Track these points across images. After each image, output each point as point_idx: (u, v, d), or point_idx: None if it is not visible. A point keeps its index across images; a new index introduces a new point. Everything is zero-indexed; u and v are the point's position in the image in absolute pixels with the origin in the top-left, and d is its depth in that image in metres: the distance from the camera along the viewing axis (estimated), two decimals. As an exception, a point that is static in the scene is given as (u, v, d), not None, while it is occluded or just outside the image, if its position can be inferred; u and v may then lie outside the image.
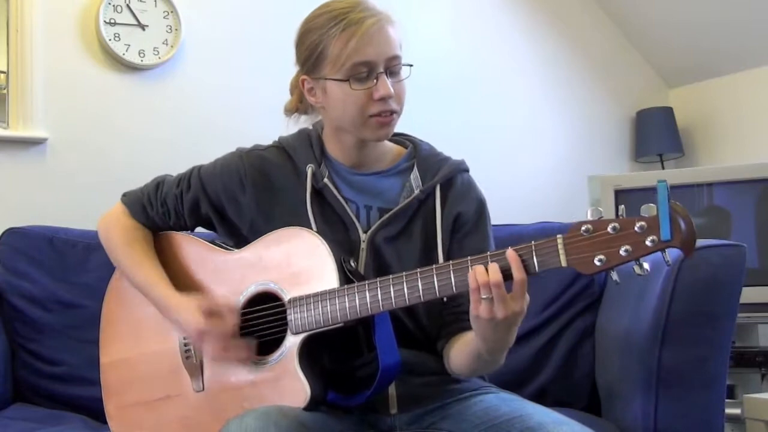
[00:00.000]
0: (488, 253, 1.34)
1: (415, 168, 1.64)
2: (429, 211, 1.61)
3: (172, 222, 1.73)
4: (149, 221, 1.73)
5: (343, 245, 1.55)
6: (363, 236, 1.59)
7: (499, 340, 1.39)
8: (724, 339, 1.77)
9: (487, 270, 1.31)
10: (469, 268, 1.34)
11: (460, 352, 1.51)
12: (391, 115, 1.54)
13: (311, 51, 1.55)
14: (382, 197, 1.62)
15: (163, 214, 1.72)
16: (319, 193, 1.61)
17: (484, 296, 1.31)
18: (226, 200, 1.66)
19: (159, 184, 1.73)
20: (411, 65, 1.56)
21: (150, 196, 1.72)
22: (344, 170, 1.63)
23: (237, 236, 1.67)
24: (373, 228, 1.59)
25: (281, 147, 1.68)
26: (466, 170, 1.68)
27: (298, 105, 1.68)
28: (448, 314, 1.57)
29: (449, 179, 1.63)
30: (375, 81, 1.51)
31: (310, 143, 1.65)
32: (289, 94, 1.71)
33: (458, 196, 1.63)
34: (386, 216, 1.59)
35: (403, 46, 1.56)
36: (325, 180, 1.60)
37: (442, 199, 1.61)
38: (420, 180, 1.62)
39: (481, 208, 1.65)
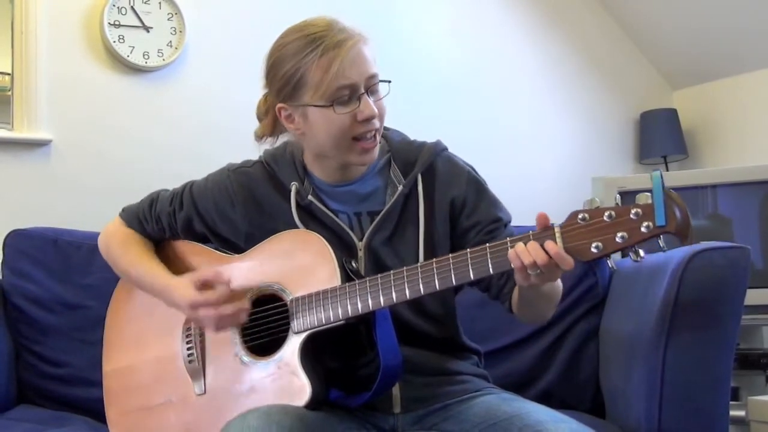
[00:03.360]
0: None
1: (393, 162, 1.64)
2: (415, 202, 1.61)
3: (168, 237, 1.76)
4: (146, 233, 1.76)
5: (342, 253, 1.55)
6: (359, 244, 1.59)
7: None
8: (728, 341, 1.77)
9: (527, 250, 1.31)
10: (468, 260, 1.36)
11: (521, 300, 1.54)
12: (374, 137, 1.54)
13: (288, 79, 1.52)
14: (369, 201, 1.63)
15: (159, 231, 1.74)
16: (306, 209, 1.61)
17: (531, 272, 1.32)
18: (218, 219, 1.68)
19: (153, 201, 1.75)
20: (389, 81, 1.54)
21: (145, 212, 1.74)
22: (327, 185, 1.63)
23: (232, 248, 1.68)
24: (367, 234, 1.59)
25: (266, 163, 1.68)
26: (444, 149, 1.67)
27: (271, 130, 1.67)
28: (498, 278, 1.58)
29: (429, 165, 1.63)
30: (358, 103, 1.50)
31: (293, 160, 1.65)
32: (258, 120, 1.69)
33: (445, 180, 1.63)
34: (376, 221, 1.59)
35: (377, 61, 1.54)
36: (310, 197, 1.61)
37: (425, 187, 1.61)
38: (400, 174, 1.62)
39: (473, 180, 1.65)
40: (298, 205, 1.61)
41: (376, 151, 1.58)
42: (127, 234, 1.75)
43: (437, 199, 1.61)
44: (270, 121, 1.66)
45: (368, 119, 1.51)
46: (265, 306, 1.57)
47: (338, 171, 1.61)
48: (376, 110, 1.51)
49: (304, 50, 1.50)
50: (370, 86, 1.52)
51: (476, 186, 1.65)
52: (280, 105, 1.58)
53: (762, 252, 2.78)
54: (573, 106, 3.66)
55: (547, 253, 1.30)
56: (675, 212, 1.22)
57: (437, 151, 1.65)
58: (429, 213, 1.61)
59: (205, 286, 1.55)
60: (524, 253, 1.31)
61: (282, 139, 1.70)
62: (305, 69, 1.49)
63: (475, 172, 1.68)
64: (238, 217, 1.65)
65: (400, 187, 1.60)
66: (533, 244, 1.31)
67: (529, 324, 1.66)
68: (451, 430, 1.51)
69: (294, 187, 1.62)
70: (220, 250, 1.71)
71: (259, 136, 1.69)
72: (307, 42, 1.50)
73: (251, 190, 1.66)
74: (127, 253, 1.73)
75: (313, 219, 1.61)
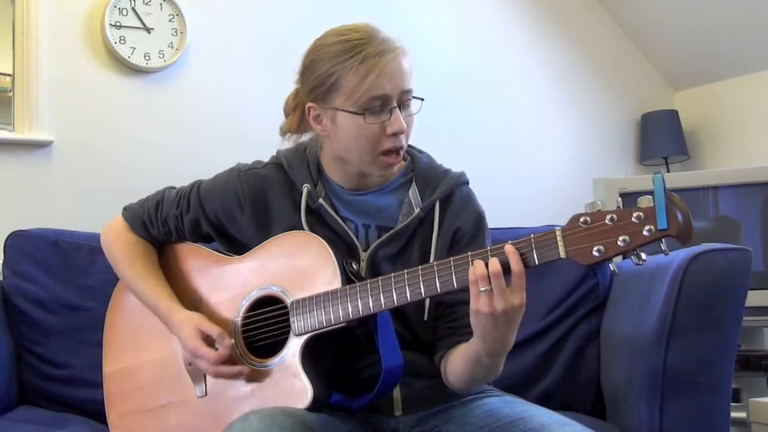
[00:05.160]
0: (488, 248, 1.36)
1: (414, 183, 1.63)
2: (427, 228, 1.60)
3: (174, 239, 1.75)
4: (150, 237, 1.75)
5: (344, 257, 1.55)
6: (363, 255, 1.59)
7: (499, 338, 1.38)
8: (729, 342, 1.77)
9: (486, 264, 1.32)
10: (470, 263, 1.35)
11: (459, 359, 1.50)
12: (399, 152, 1.53)
13: (322, 80, 1.51)
14: (381, 215, 1.62)
15: (165, 233, 1.73)
16: (316, 213, 1.61)
17: (482, 289, 1.31)
18: (225, 219, 1.67)
19: (159, 202, 1.73)
20: (422, 99, 1.53)
21: (150, 214, 1.73)
22: (342, 191, 1.63)
23: (239, 248, 1.68)
24: (372, 247, 1.59)
25: (279, 164, 1.67)
26: (466, 183, 1.67)
27: (297, 126, 1.66)
28: (444, 328, 1.57)
29: (449, 194, 1.62)
30: (389, 115, 1.49)
31: (308, 161, 1.65)
32: (284, 115, 1.68)
33: (456, 210, 1.62)
34: (386, 236, 1.59)
35: (413, 75, 1.53)
36: (321, 200, 1.60)
37: (440, 215, 1.60)
38: (419, 197, 1.61)
39: (479, 220, 1.63)
40: (308, 207, 1.61)
41: (396, 167, 1.58)
42: (131, 243, 1.74)
43: (445, 227, 1.60)
44: (297, 117, 1.65)
45: (396, 134, 1.50)
46: (266, 308, 1.57)
47: (355, 178, 1.61)
48: (404, 126, 1.50)
49: (343, 55, 1.49)
50: (403, 101, 1.51)
51: (478, 228, 1.63)
52: (310, 104, 1.57)
53: (763, 253, 2.78)
54: (574, 107, 3.66)
55: (507, 268, 1.31)
56: (677, 215, 1.22)
57: (459, 182, 1.64)
58: (438, 241, 1.60)
59: (208, 338, 1.56)
60: (480, 266, 1.32)
61: (302, 138, 1.69)
62: (342, 73, 1.48)
63: (484, 216, 1.66)
64: (246, 219, 1.64)
65: (417, 210, 1.59)
66: (492, 261, 1.32)
67: (451, 387, 1.59)
68: (452, 433, 1.51)
69: (306, 189, 1.61)
70: (221, 252, 1.71)
71: (285, 132, 1.68)
72: (348, 47, 1.49)
73: (261, 191, 1.65)
74: (131, 267, 1.72)
75: (321, 223, 1.60)
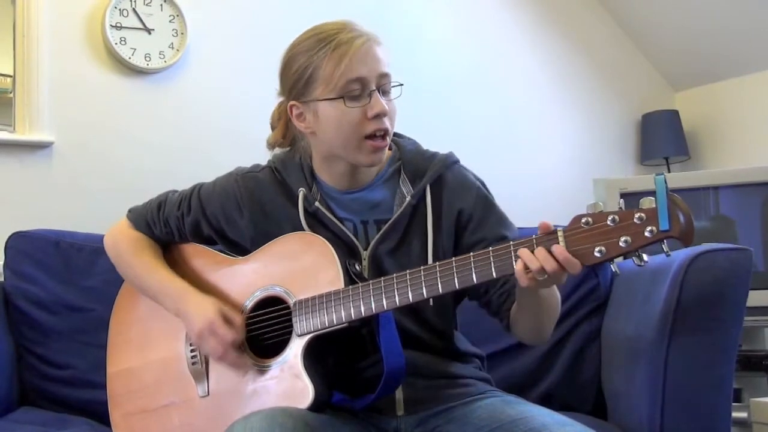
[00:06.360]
0: (490, 249, 1.35)
1: (403, 171, 1.63)
2: (422, 216, 1.61)
3: (176, 240, 1.76)
4: (154, 236, 1.76)
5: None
6: (364, 253, 1.59)
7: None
8: (730, 342, 1.77)
9: (535, 257, 1.30)
10: (472, 265, 1.35)
11: (521, 311, 1.52)
12: (385, 136, 1.54)
13: (300, 74, 1.54)
14: (377, 210, 1.62)
15: (167, 234, 1.75)
16: (313, 215, 1.61)
17: (539, 278, 1.31)
18: (225, 222, 1.68)
19: (161, 203, 1.75)
20: (401, 84, 1.55)
21: (153, 215, 1.74)
22: (335, 192, 1.63)
23: (240, 251, 1.68)
24: (372, 244, 1.59)
25: (275, 168, 1.68)
26: (455, 162, 1.67)
27: (282, 138, 1.67)
28: (498, 295, 1.58)
29: (438, 177, 1.62)
30: (369, 99, 1.51)
31: (301, 166, 1.65)
32: (271, 129, 1.70)
33: (453, 192, 1.62)
34: (383, 230, 1.59)
35: (391, 66, 1.54)
36: (317, 203, 1.61)
37: (433, 199, 1.61)
38: (409, 184, 1.62)
39: (482, 195, 1.64)
40: (305, 211, 1.61)
41: (385, 153, 1.58)
42: (136, 238, 1.75)
43: (444, 211, 1.61)
44: (282, 127, 1.66)
45: (378, 116, 1.51)
46: (269, 308, 1.57)
47: (346, 176, 1.61)
48: (386, 108, 1.52)
49: (316, 46, 1.52)
50: (382, 85, 1.52)
51: (484, 202, 1.64)
52: (291, 103, 1.58)
53: (764, 253, 2.78)
54: (574, 107, 3.66)
55: (555, 258, 1.29)
56: (679, 216, 1.22)
57: (448, 163, 1.64)
58: (436, 226, 1.60)
59: (225, 318, 1.55)
60: (532, 260, 1.30)
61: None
62: (317, 64, 1.51)
63: (485, 187, 1.67)
64: (245, 222, 1.65)
65: (408, 198, 1.60)
66: (541, 251, 1.30)
67: (527, 343, 1.62)
68: (454, 433, 1.51)
69: (302, 193, 1.62)
70: (224, 253, 1.71)
71: (271, 144, 1.70)
72: (320, 39, 1.52)
73: (259, 195, 1.65)
74: (138, 258, 1.73)
75: (319, 225, 1.61)
